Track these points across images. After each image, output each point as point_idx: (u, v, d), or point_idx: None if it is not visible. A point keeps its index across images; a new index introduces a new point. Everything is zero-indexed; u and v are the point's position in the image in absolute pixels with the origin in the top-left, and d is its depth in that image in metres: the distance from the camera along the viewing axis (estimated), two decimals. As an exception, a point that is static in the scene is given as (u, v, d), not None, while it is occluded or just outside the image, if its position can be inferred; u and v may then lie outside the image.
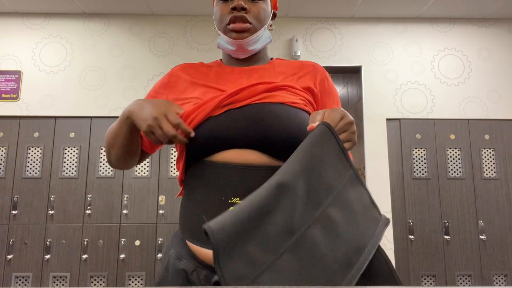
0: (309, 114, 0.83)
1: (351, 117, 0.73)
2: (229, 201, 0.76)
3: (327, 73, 0.94)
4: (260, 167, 0.77)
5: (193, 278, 0.78)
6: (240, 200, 0.74)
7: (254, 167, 0.77)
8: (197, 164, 0.82)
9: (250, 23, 0.88)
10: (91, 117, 2.99)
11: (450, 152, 2.97)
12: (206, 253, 0.77)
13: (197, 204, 0.81)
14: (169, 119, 0.75)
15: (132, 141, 0.87)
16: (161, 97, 0.92)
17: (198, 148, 0.80)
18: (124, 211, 2.84)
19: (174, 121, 0.75)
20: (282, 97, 0.83)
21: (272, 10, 0.96)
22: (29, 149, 2.93)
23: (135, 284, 2.78)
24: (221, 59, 0.99)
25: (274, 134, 0.77)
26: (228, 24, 0.88)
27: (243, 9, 0.87)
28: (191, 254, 0.80)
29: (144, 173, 2.91)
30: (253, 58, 0.95)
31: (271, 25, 0.95)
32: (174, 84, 0.93)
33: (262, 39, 0.91)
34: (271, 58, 0.98)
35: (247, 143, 0.78)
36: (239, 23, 0.87)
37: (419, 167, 2.96)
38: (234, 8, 0.86)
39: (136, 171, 2.91)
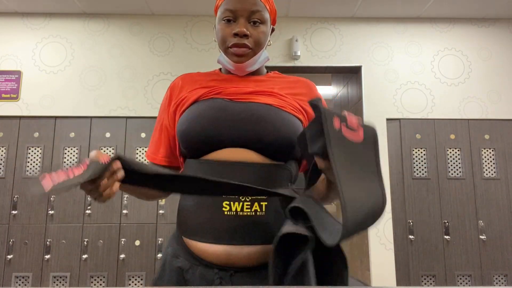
0: (298, 119, 0.89)
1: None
2: (223, 196, 0.79)
3: (318, 91, 0.98)
4: (252, 164, 0.82)
5: (188, 275, 0.81)
6: (233, 195, 0.80)
7: (247, 164, 0.81)
8: (192, 162, 0.86)
9: (250, 48, 0.90)
10: (91, 117, 2.99)
11: (450, 152, 2.97)
12: (202, 248, 0.80)
13: (192, 200, 0.84)
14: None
15: (134, 191, 0.88)
16: (165, 115, 0.95)
17: (193, 150, 0.85)
18: (124, 211, 2.84)
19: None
20: (272, 100, 0.88)
21: (271, 27, 0.98)
22: (29, 149, 2.92)
23: (135, 284, 2.78)
24: (219, 69, 1.02)
25: (266, 137, 0.82)
26: (230, 47, 0.90)
27: (245, 35, 0.89)
28: (187, 251, 0.83)
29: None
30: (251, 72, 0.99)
31: (269, 41, 0.98)
32: (173, 93, 0.97)
33: (260, 60, 0.94)
34: (267, 72, 1.02)
35: (241, 144, 0.83)
36: (240, 48, 0.89)
37: (419, 167, 2.96)
38: (236, 34, 0.88)
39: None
